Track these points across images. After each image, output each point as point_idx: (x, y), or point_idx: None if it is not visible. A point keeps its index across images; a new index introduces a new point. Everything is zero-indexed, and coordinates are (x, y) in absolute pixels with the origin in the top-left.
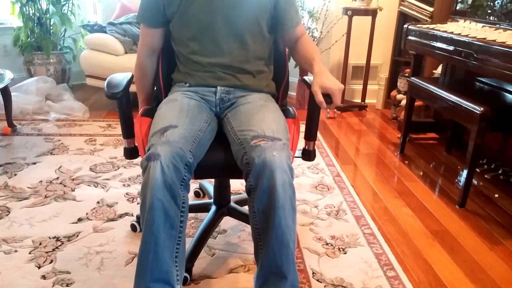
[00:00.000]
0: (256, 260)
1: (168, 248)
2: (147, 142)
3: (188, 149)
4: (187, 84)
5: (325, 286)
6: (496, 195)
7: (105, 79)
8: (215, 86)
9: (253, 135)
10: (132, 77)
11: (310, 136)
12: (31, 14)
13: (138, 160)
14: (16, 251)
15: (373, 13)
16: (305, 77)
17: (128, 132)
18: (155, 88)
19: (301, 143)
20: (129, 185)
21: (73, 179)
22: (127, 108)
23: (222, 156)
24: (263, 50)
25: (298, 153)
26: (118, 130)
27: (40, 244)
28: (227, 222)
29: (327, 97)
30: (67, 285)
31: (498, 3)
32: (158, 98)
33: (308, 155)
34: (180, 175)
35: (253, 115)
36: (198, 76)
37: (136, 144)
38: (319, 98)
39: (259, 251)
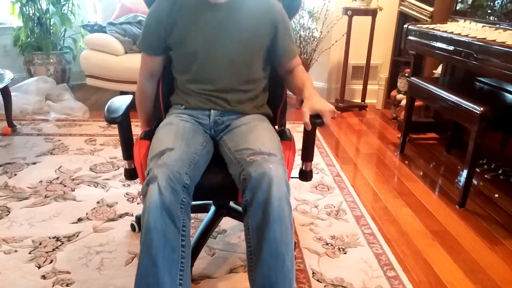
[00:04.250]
0: (250, 283)
1: (170, 271)
2: (146, 165)
3: (184, 171)
4: (183, 107)
5: (325, 286)
6: (496, 195)
7: (105, 79)
8: (209, 109)
9: (249, 152)
10: (131, 100)
11: (307, 157)
12: (31, 14)
13: None
14: (16, 251)
15: (373, 13)
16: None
17: (128, 153)
18: (156, 109)
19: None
20: (129, 185)
21: (73, 179)
22: (127, 131)
23: (219, 178)
24: (259, 78)
25: (295, 174)
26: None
27: (40, 244)
28: (227, 222)
29: (317, 117)
30: (67, 285)
31: (498, 3)
32: (158, 119)
33: (305, 175)
34: (178, 197)
35: (248, 134)
36: (193, 101)
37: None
38: (306, 119)
39: (250, 274)
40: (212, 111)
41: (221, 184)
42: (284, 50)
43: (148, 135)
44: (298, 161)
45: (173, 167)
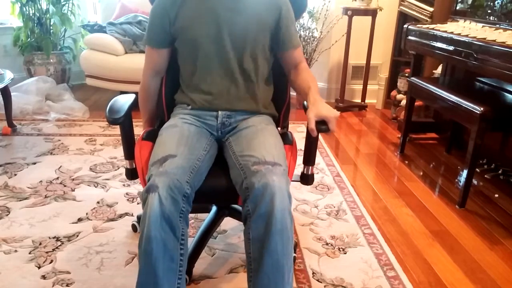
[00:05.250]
0: None
1: (169, 281)
2: (147, 169)
3: (185, 180)
4: (189, 107)
5: (325, 286)
6: (496, 195)
7: (105, 79)
8: (216, 110)
9: (254, 161)
10: (134, 100)
11: (309, 160)
12: (31, 14)
13: None
14: (16, 251)
15: (373, 13)
16: (305, 102)
17: (130, 153)
18: (158, 108)
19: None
20: (129, 185)
21: (73, 179)
22: (129, 131)
23: (221, 182)
24: (264, 70)
25: (296, 177)
26: (118, 130)
27: (40, 244)
28: (228, 222)
29: (323, 124)
30: (67, 285)
31: (498, 3)
32: (161, 118)
33: (306, 179)
34: (178, 207)
35: (254, 140)
36: (199, 101)
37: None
38: (311, 125)
39: (250, 282)
40: (219, 112)
41: (223, 189)
42: (286, 36)
43: (150, 136)
44: (299, 161)
45: (174, 176)
